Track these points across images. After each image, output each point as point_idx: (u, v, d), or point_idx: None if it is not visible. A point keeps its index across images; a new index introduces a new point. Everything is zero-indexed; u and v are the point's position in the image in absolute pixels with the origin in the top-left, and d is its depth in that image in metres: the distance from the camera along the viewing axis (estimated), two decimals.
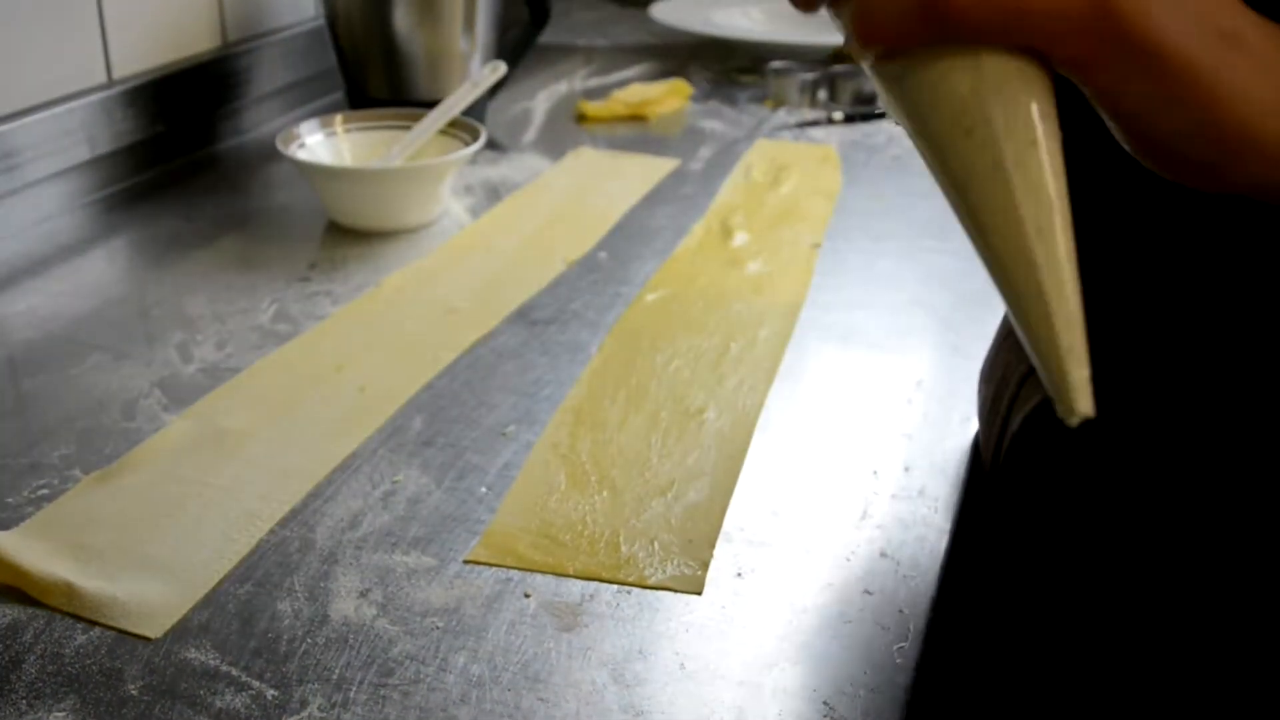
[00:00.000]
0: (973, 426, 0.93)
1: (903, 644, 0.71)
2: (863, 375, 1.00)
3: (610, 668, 0.68)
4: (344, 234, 1.27)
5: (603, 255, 1.21)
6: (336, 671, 0.68)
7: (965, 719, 1.01)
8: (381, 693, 0.66)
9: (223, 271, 1.18)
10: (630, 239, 1.26)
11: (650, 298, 1.11)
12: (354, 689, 0.66)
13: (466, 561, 0.76)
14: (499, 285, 1.14)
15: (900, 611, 0.73)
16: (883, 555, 0.78)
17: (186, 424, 0.92)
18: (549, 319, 1.08)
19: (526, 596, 0.73)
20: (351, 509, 0.81)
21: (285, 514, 0.81)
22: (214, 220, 1.31)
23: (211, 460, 0.87)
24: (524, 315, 1.09)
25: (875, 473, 0.86)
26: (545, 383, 0.97)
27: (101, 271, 1.20)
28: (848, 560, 0.77)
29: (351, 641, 0.70)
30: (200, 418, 0.93)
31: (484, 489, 0.84)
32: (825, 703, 0.66)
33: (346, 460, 0.87)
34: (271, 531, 0.79)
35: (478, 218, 1.31)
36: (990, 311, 1.11)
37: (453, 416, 0.93)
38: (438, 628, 0.71)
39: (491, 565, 0.76)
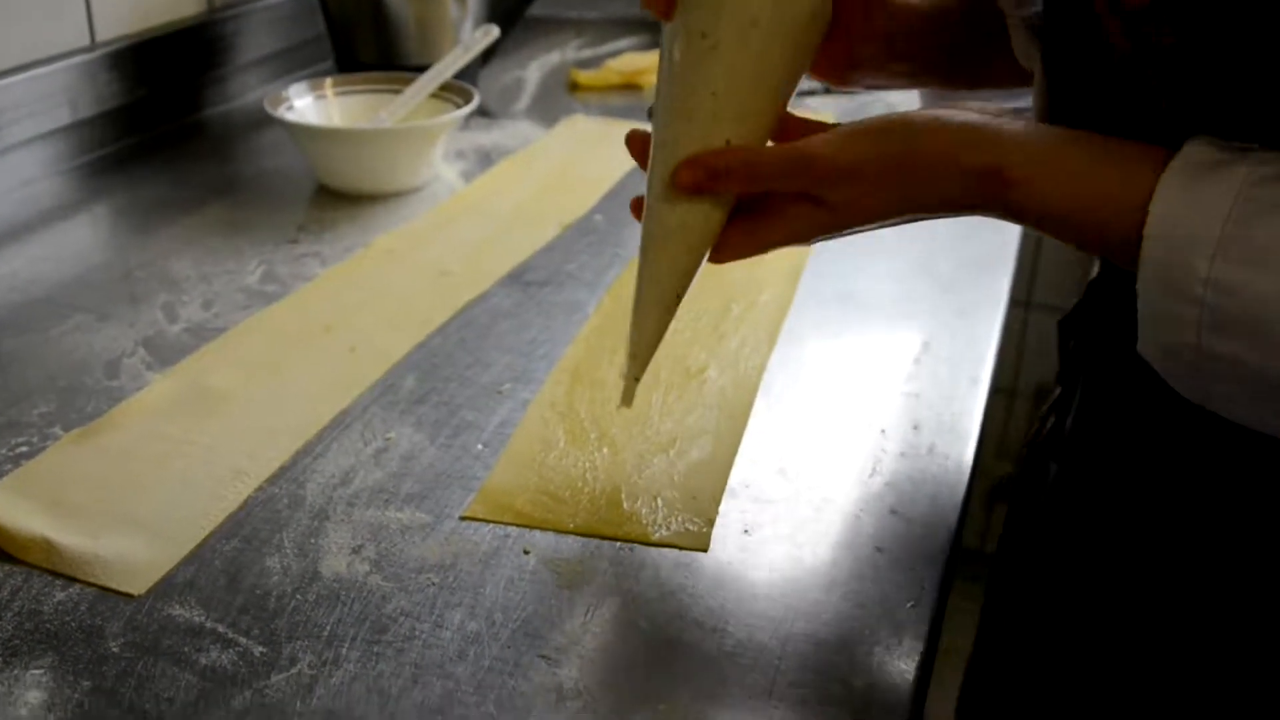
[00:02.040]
0: (983, 388, 0.91)
1: (914, 602, 0.68)
2: (867, 338, 0.97)
3: (614, 625, 0.65)
4: (333, 197, 1.24)
5: (598, 219, 1.19)
6: (328, 628, 0.65)
7: (981, 678, 0.98)
8: (375, 650, 0.63)
9: (208, 234, 1.15)
10: (626, 204, 1.22)
11: None
12: (346, 646, 0.64)
13: (463, 518, 0.74)
14: (492, 247, 1.12)
15: (912, 569, 0.70)
16: (893, 513, 0.75)
17: (171, 383, 0.89)
18: (544, 280, 1.06)
19: (525, 553, 0.71)
20: (342, 466, 0.79)
21: (274, 471, 0.78)
22: (200, 185, 1.28)
23: (197, 418, 0.84)
24: (518, 277, 1.06)
25: (883, 431, 0.84)
26: (541, 342, 0.95)
27: (84, 236, 1.17)
28: (857, 517, 0.75)
29: (343, 598, 0.67)
30: (185, 376, 0.90)
31: (480, 446, 0.81)
32: (835, 660, 0.63)
33: (337, 418, 0.84)
34: (259, 489, 0.76)
35: (470, 182, 1.28)
36: (994, 276, 1.09)
37: (446, 375, 0.90)
38: (433, 584, 0.68)
39: (488, 522, 0.73)
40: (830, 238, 0.67)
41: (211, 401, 0.86)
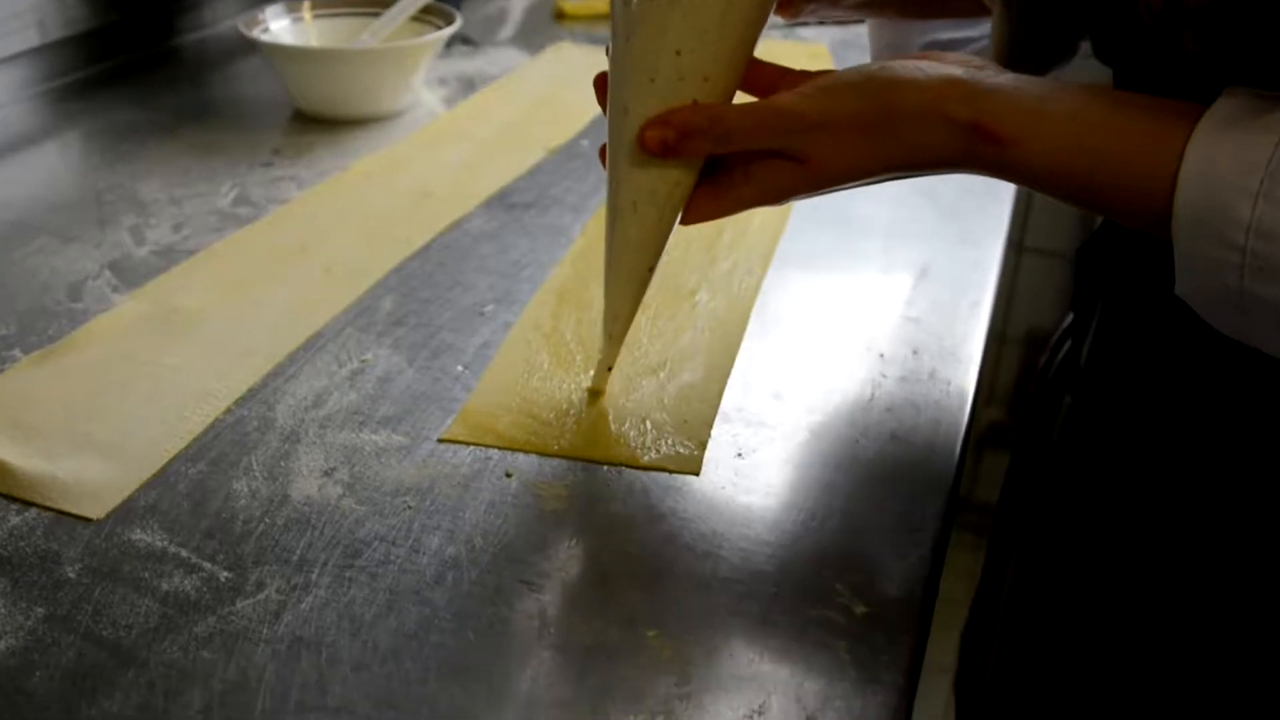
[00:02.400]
0: (984, 312, 0.87)
1: (916, 528, 0.64)
2: (864, 262, 0.93)
3: (600, 550, 0.62)
4: (310, 122, 1.20)
5: (585, 143, 1.14)
6: (297, 553, 0.61)
7: (987, 608, 0.95)
8: (347, 575, 0.60)
9: (180, 157, 1.11)
10: None
11: None
12: (316, 571, 0.60)
13: (441, 441, 0.70)
14: (475, 170, 1.07)
15: (914, 495, 0.67)
16: (894, 438, 0.72)
17: (138, 304, 0.85)
18: (529, 203, 1.01)
19: (507, 476, 0.67)
20: (315, 388, 0.75)
21: (243, 393, 0.74)
22: (172, 110, 1.23)
23: (164, 339, 0.80)
24: (502, 199, 1.02)
25: (882, 355, 0.80)
26: (525, 264, 0.91)
27: (51, 160, 1.12)
28: (856, 442, 0.71)
29: (314, 522, 0.63)
30: (153, 298, 0.86)
31: (460, 368, 0.77)
32: (835, 587, 0.60)
33: (310, 340, 0.80)
34: (228, 411, 0.73)
35: (452, 108, 1.24)
36: (995, 201, 1.05)
37: (425, 297, 0.86)
38: (409, 508, 0.64)
39: (468, 444, 0.69)
40: (805, 197, 0.64)
41: (179, 323, 0.82)
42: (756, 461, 0.69)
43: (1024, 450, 0.98)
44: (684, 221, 0.66)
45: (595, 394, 0.74)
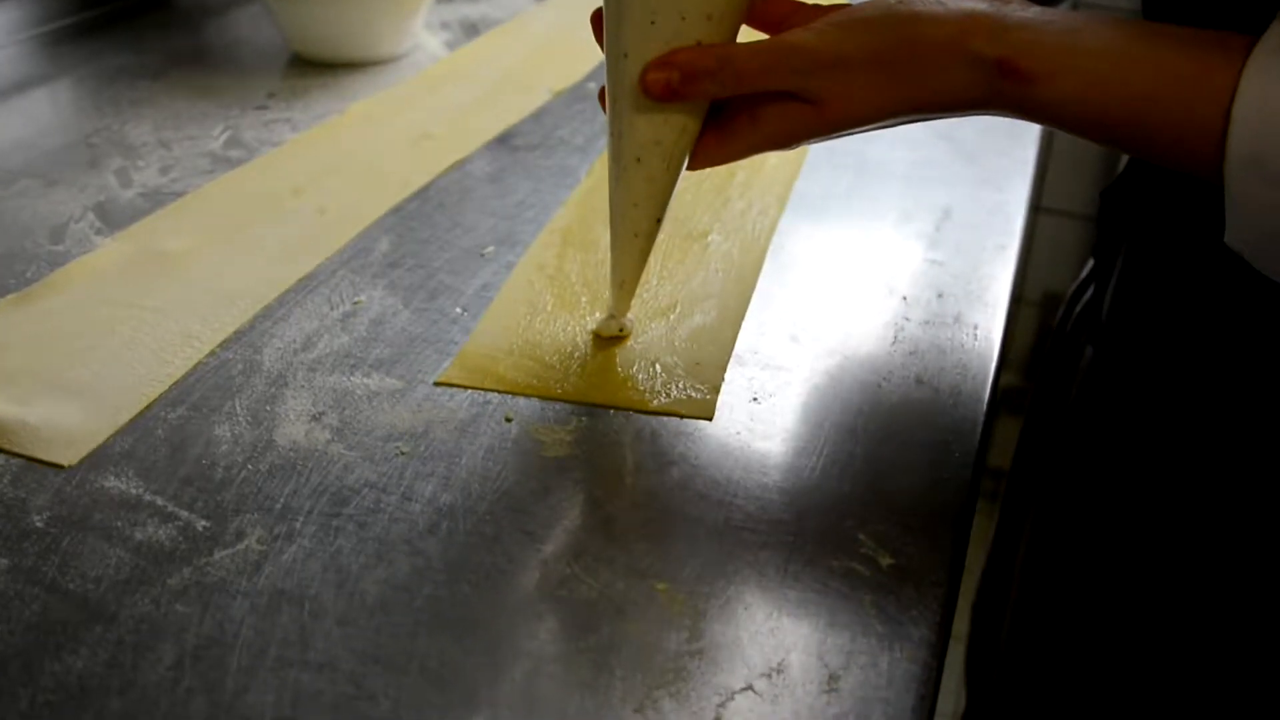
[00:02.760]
0: (1011, 254, 0.82)
1: (948, 477, 0.60)
2: (883, 204, 0.89)
3: (607, 498, 0.58)
4: (307, 67, 1.15)
5: (592, 85, 1.10)
6: (280, 501, 0.57)
7: (1000, 577, 0.91)
8: (334, 524, 0.56)
9: (171, 101, 1.06)
10: None
11: None
12: (300, 519, 0.56)
13: (437, 383, 0.66)
14: (478, 112, 1.03)
15: (942, 441, 0.62)
16: (919, 382, 0.67)
17: (121, 245, 0.80)
18: (533, 145, 0.97)
19: (507, 420, 0.63)
20: (305, 330, 0.70)
21: (228, 336, 0.70)
22: (165, 55, 1.19)
23: (147, 282, 0.76)
24: (505, 141, 0.98)
25: (905, 298, 0.75)
26: (529, 205, 0.86)
27: (39, 105, 1.08)
28: (879, 387, 0.67)
29: (300, 468, 0.59)
30: (137, 240, 0.81)
31: (459, 310, 0.73)
32: (859, 538, 0.55)
33: (301, 281, 0.76)
34: (212, 354, 0.68)
35: (454, 51, 1.19)
36: (1019, 144, 1.00)
37: (424, 238, 0.81)
38: (402, 454, 0.60)
39: (466, 388, 0.65)
40: (817, 140, 0.60)
41: (164, 265, 0.78)
42: (773, 406, 0.64)
43: (1040, 412, 0.94)
44: (690, 167, 0.62)
45: (601, 338, 0.69)
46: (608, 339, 0.69)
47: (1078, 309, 0.89)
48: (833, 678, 0.48)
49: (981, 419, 0.65)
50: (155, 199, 0.87)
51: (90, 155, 0.95)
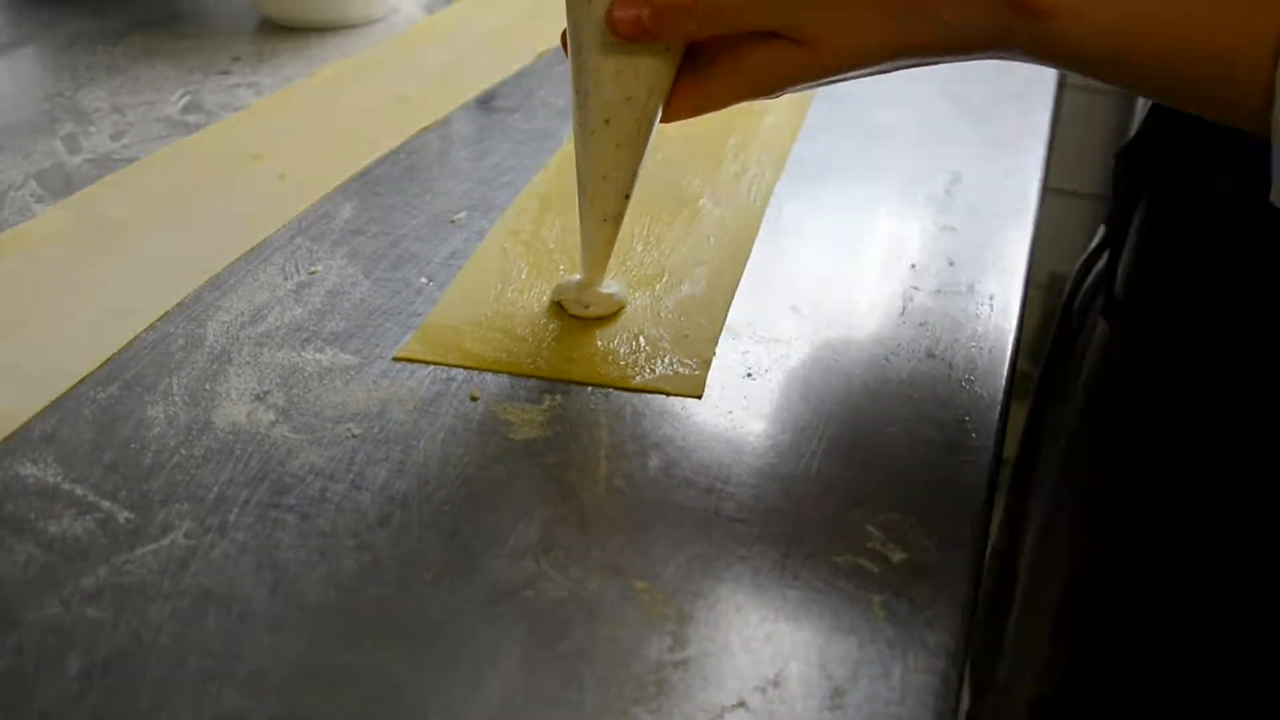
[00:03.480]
0: (1028, 220, 0.76)
1: (965, 460, 0.53)
2: (888, 168, 0.82)
3: (582, 484, 0.51)
4: (277, 30, 1.09)
5: None
6: (214, 490, 0.51)
7: (1005, 572, 0.85)
8: (272, 515, 0.49)
9: (130, 64, 1.00)
10: None
11: None
12: (235, 510, 0.49)
13: (397, 359, 0.59)
14: (455, 73, 0.96)
15: (959, 421, 0.56)
16: (931, 356, 0.61)
17: (62, 213, 0.74)
18: (513, 107, 0.90)
19: (473, 399, 0.56)
20: (254, 302, 0.64)
21: (170, 308, 0.64)
22: (128, 19, 1.12)
23: (85, 251, 0.69)
24: (483, 103, 0.91)
25: (913, 266, 0.69)
26: (506, 169, 0.80)
27: None
28: (887, 361, 0.60)
29: (239, 453, 0.53)
30: (79, 207, 0.75)
31: (423, 279, 0.66)
32: (866, 528, 0.49)
33: (254, 250, 0.69)
34: (151, 328, 0.62)
35: (432, 14, 1.12)
36: (1031, 107, 0.94)
37: (390, 204, 0.75)
38: (353, 436, 0.54)
39: (428, 363, 0.59)
40: (805, 87, 0.53)
41: (107, 233, 0.71)
42: (769, 383, 0.58)
43: (1048, 394, 0.88)
44: (664, 118, 0.56)
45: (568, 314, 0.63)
46: (574, 317, 0.62)
47: (1087, 283, 0.83)
48: (838, 692, 0.42)
49: (1001, 395, 0.58)
50: (104, 166, 0.81)
51: (39, 121, 0.88)
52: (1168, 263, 0.69)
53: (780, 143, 0.84)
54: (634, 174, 0.58)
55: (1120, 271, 0.73)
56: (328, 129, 0.85)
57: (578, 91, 0.56)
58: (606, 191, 0.58)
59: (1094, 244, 0.83)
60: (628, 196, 0.58)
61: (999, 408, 0.57)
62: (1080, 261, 0.86)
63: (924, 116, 0.91)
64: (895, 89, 0.94)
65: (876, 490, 0.51)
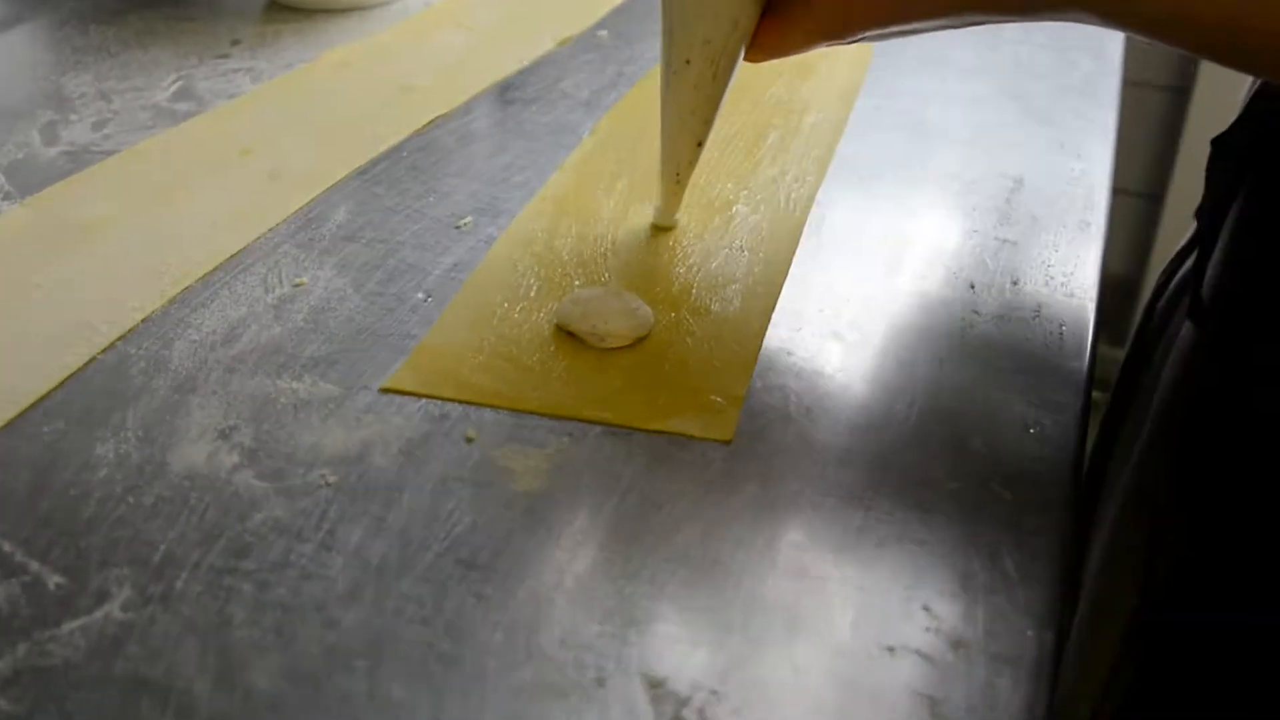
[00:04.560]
0: (1098, 232, 0.68)
1: (1034, 529, 0.46)
2: (942, 172, 0.74)
3: (594, 548, 0.43)
4: (283, 10, 1.01)
5: (603, 34, 0.95)
6: (162, 548, 0.43)
7: (1080, 573, 0.77)
8: (225, 582, 0.42)
9: (123, 47, 0.93)
10: (639, 17, 1.00)
11: None
12: (183, 576, 0.42)
13: (384, 390, 0.52)
14: (471, 61, 0.89)
15: (1031, 478, 0.48)
16: (994, 395, 0.53)
17: (26, 212, 0.67)
18: (531, 98, 0.83)
19: (468, 441, 0.49)
20: (229, 319, 0.57)
21: (134, 325, 0.56)
22: None
23: (49, 257, 0.62)
24: (499, 94, 0.83)
25: (973, 287, 0.61)
26: (520, 168, 0.72)
27: None
28: (944, 399, 0.52)
29: (194, 504, 0.45)
30: (47, 206, 0.68)
31: (420, 295, 0.59)
32: (929, 607, 0.41)
33: (234, 258, 0.62)
34: (110, 348, 0.55)
35: None
36: (1097, 105, 0.86)
37: (389, 206, 0.67)
38: (327, 485, 0.46)
39: (420, 396, 0.51)
40: (875, 30, 0.51)
41: (73, 236, 0.64)
42: (811, 424, 0.50)
43: (1122, 403, 0.80)
44: (748, 58, 0.57)
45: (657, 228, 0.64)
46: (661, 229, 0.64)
47: (1173, 283, 0.76)
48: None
49: (1073, 445, 0.50)
50: (80, 159, 0.74)
51: (19, 108, 0.81)
52: (1263, 262, 0.62)
53: (823, 142, 0.76)
54: (708, 120, 0.59)
55: (1210, 271, 0.66)
56: (326, 121, 0.78)
57: (664, 31, 0.57)
58: (682, 134, 0.59)
59: (1184, 241, 0.76)
60: (701, 144, 0.59)
61: (1070, 459, 0.49)
62: (1170, 260, 0.78)
63: (980, 115, 0.83)
64: (948, 85, 0.86)
65: (935, 563, 0.43)
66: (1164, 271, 0.79)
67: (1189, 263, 0.73)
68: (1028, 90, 0.88)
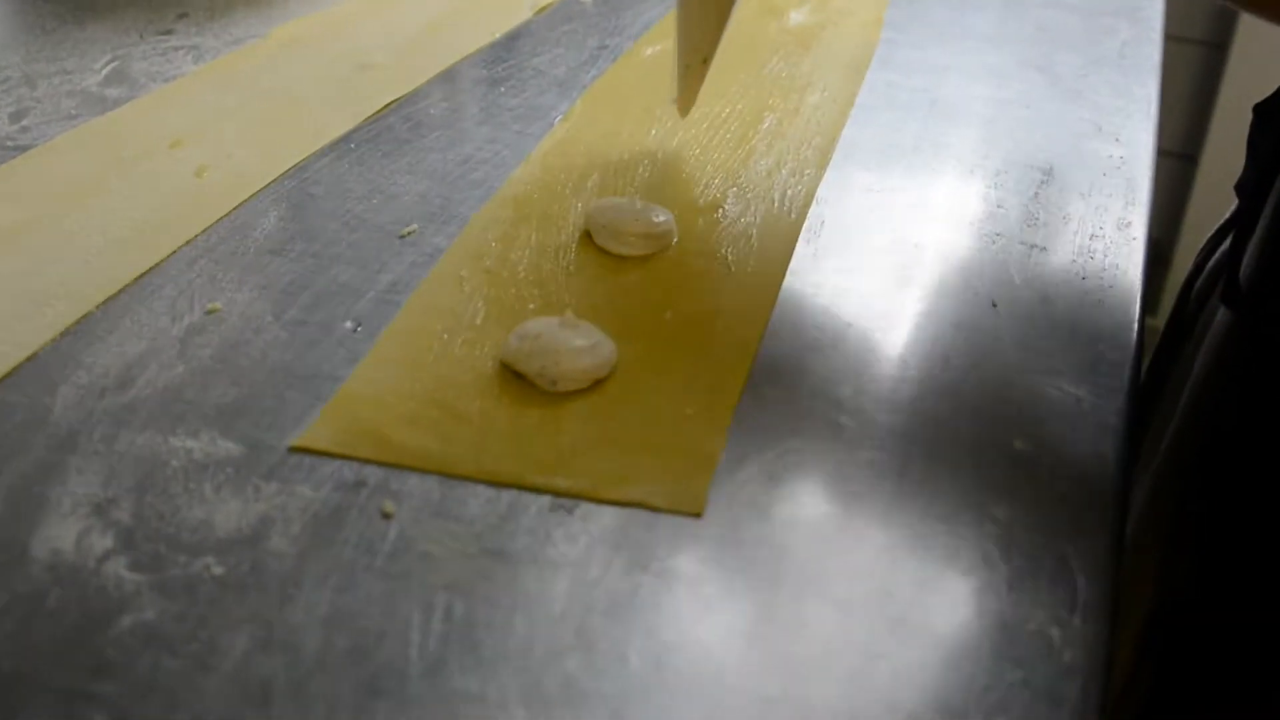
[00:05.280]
0: (1138, 232, 0.59)
1: (1068, 609, 0.38)
2: (963, 161, 0.66)
3: (535, 653, 0.35)
4: None
5: (588, 0, 0.86)
6: (5, 666, 0.35)
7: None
8: (75, 712, 0.34)
9: (58, 23, 0.84)
10: None
11: (649, 52, 0.77)
12: (27, 708, 0.34)
13: (293, 449, 0.43)
14: (437, 35, 0.80)
15: (1062, 551, 0.40)
16: (1019, 451, 0.44)
17: None
18: (500, 77, 0.74)
19: (385, 517, 0.41)
20: (126, 357, 0.49)
21: (17, 364, 0.48)
22: None
23: None
24: (464, 72, 0.75)
25: (995, 305, 0.52)
26: (479, 162, 0.64)
27: None
28: (955, 436, 0.44)
29: (52, 605, 0.37)
30: None
31: (350, 324, 0.50)
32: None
33: (144, 277, 0.54)
34: None
35: None
36: (1135, 77, 0.77)
37: (326, 210, 0.59)
38: (212, 577, 0.38)
39: (334, 457, 0.43)
40: None
41: None
42: (796, 492, 0.42)
43: (1152, 390, 0.73)
44: None
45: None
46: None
47: (1211, 263, 0.69)
48: None
49: (1111, 517, 0.42)
50: None
51: None
52: None
53: (826, 126, 0.67)
54: (711, 38, 0.59)
55: (1250, 251, 0.59)
56: (269, 107, 0.70)
57: None
58: (685, 45, 0.59)
59: (1225, 217, 0.69)
60: (706, 60, 0.59)
61: (1110, 526, 0.41)
62: (1206, 241, 0.71)
63: (1003, 90, 0.74)
64: (966, 56, 0.77)
65: (959, 658, 0.35)
66: (1202, 250, 0.72)
67: (1227, 243, 0.66)
68: (1056, 61, 0.79)
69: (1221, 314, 0.63)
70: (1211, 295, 0.69)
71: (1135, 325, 0.52)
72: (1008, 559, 0.39)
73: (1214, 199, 1.72)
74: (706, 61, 0.60)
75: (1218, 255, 0.70)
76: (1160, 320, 0.77)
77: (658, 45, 0.77)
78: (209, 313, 0.51)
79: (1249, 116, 0.65)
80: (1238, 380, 0.61)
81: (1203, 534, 0.62)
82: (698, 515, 0.41)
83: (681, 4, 0.57)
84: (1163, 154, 1.84)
